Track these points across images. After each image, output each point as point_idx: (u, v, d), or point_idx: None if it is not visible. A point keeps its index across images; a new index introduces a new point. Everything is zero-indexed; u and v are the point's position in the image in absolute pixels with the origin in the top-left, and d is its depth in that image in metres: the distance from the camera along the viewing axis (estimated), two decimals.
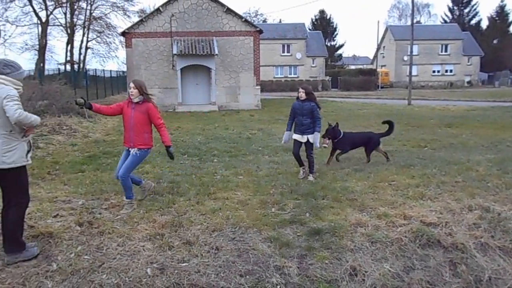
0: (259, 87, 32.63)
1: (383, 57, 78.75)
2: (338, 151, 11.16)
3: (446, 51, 74.89)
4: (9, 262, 5.38)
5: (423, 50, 72.88)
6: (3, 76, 5.25)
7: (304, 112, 9.45)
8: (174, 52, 30.01)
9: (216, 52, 30.11)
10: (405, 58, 70.40)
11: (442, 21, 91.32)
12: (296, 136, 9.68)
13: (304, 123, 9.48)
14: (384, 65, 77.26)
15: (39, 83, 22.64)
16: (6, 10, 53.57)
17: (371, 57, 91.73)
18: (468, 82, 74.78)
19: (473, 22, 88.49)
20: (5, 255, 5.47)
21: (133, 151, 7.23)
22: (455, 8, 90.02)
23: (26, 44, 59.56)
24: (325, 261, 5.56)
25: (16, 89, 5.33)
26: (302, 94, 9.47)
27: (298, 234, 6.37)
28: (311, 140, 9.53)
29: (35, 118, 5.48)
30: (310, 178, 9.50)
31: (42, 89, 20.26)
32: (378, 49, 77.42)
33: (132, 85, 7.15)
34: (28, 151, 5.50)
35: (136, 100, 7.12)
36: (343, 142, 11.05)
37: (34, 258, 5.51)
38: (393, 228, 6.45)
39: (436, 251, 5.92)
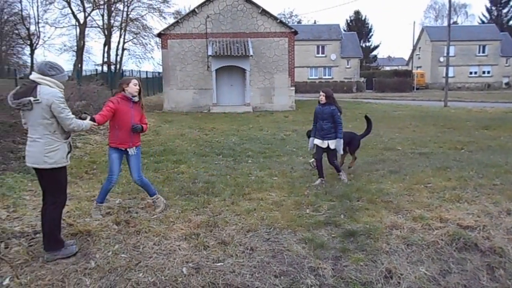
0: (293, 88, 32.52)
1: (419, 58, 77.76)
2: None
3: (483, 52, 73.53)
4: (48, 259, 5.49)
5: (460, 51, 71.72)
6: (49, 78, 5.37)
7: (325, 116, 9.17)
8: (209, 53, 30.14)
9: (251, 53, 30.16)
10: (441, 59, 69.42)
11: (480, 22, 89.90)
12: (316, 141, 9.40)
13: (324, 128, 9.18)
14: (420, 66, 76.33)
15: (77, 83, 23.03)
16: (45, 12, 54.99)
17: (407, 58, 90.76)
18: (506, 84, 73.25)
19: None
20: (44, 252, 5.58)
21: (131, 151, 7.09)
22: (493, 8, 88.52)
23: (65, 45, 61.10)
24: (360, 263, 5.52)
25: (60, 92, 5.47)
26: (323, 98, 9.21)
27: (333, 235, 6.35)
28: (331, 146, 9.20)
29: (85, 125, 5.75)
30: (343, 177, 9.43)
31: (80, 89, 20.63)
32: (413, 50, 76.59)
33: (137, 82, 7.03)
34: (69, 152, 5.62)
35: (136, 99, 7.03)
36: None
37: (72, 256, 5.61)
38: (429, 231, 6.39)
39: (473, 255, 5.82)
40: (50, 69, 5.41)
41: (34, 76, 5.36)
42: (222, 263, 5.49)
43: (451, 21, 39.19)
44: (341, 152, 9.42)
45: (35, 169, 5.57)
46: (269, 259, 5.65)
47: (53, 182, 5.56)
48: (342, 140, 9.25)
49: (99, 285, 4.95)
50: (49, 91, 5.29)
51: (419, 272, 5.36)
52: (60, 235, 5.71)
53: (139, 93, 7.03)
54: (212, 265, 5.42)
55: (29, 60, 56.45)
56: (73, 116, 5.42)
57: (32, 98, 5.21)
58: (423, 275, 5.32)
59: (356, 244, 6.02)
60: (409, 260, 5.66)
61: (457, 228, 6.42)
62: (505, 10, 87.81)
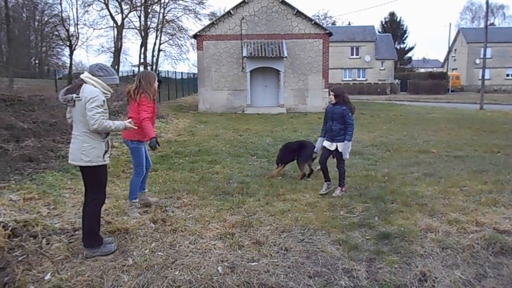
0: (327, 90, 32.22)
1: (454, 60, 76.46)
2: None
3: None
4: (87, 256, 5.63)
5: (496, 53, 70.44)
6: (95, 78, 5.54)
7: (335, 116, 8.46)
8: (244, 54, 30.23)
9: (285, 54, 30.12)
10: (477, 61, 68.36)
11: None
12: (325, 143, 8.74)
13: (333, 129, 8.49)
14: (455, 68, 75.17)
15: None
16: (84, 13, 55.98)
17: (442, 60, 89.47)
18: None
19: None
20: (84, 249, 5.72)
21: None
22: None
23: (103, 47, 61.93)
24: (394, 265, 5.51)
25: (104, 93, 5.60)
26: (332, 97, 8.55)
27: (367, 237, 6.36)
28: (339, 149, 8.51)
29: (116, 126, 5.76)
30: (337, 192, 8.62)
31: (117, 90, 20.81)
32: (449, 52, 75.48)
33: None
34: (106, 151, 5.74)
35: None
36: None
37: (111, 253, 5.75)
38: (465, 235, 6.34)
39: (509, 259, 5.74)
40: (98, 70, 5.60)
41: (83, 75, 5.58)
42: (256, 263, 5.54)
43: (488, 23, 38.56)
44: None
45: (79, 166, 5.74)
46: (303, 259, 5.68)
47: (92, 179, 5.72)
48: (350, 143, 8.56)
49: (136, 282, 5.05)
50: (91, 90, 5.44)
51: (454, 276, 5.32)
52: (99, 233, 5.85)
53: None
54: (247, 265, 5.48)
55: (68, 61, 57.49)
56: (100, 118, 5.45)
57: (74, 95, 5.40)
58: (458, 279, 5.28)
59: (390, 247, 6.02)
60: (444, 263, 5.62)
61: (493, 232, 6.36)
62: None
